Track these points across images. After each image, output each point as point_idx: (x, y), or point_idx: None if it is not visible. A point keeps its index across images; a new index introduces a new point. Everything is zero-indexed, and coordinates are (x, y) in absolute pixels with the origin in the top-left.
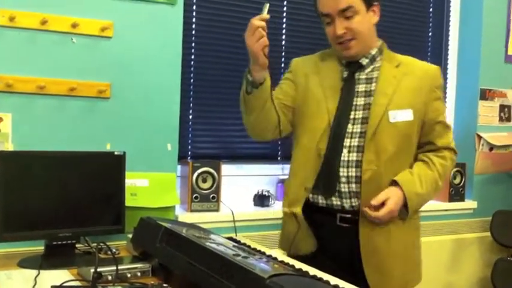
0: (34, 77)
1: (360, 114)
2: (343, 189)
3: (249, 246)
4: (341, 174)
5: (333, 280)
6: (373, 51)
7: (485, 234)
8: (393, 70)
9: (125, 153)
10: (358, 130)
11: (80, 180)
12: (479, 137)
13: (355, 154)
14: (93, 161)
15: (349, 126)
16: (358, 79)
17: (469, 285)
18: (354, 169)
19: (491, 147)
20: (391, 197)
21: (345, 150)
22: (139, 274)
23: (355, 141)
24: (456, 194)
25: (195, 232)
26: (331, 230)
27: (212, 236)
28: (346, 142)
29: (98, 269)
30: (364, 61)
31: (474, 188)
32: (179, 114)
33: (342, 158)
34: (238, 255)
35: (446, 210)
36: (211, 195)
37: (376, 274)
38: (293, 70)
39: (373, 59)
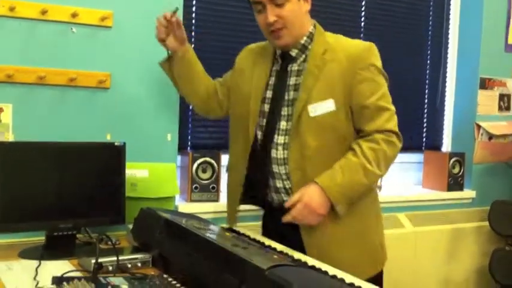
0: (34, 67)
1: (290, 110)
2: (278, 185)
3: (248, 237)
4: (275, 171)
5: (332, 270)
6: (303, 40)
7: (484, 224)
8: (318, 59)
9: (125, 143)
10: (286, 127)
11: (80, 170)
12: (479, 127)
13: (286, 152)
14: (93, 152)
15: (283, 123)
16: (291, 71)
17: (467, 274)
18: (283, 166)
19: (491, 137)
20: (304, 193)
21: (279, 148)
22: (139, 264)
23: (287, 139)
24: (455, 183)
25: (194, 223)
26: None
27: (212, 227)
28: (279, 139)
29: (99, 260)
30: (294, 52)
31: (473, 177)
32: (179, 105)
33: (274, 156)
34: (238, 245)
35: (444, 199)
36: (211, 186)
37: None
38: (237, 62)
39: (304, 49)
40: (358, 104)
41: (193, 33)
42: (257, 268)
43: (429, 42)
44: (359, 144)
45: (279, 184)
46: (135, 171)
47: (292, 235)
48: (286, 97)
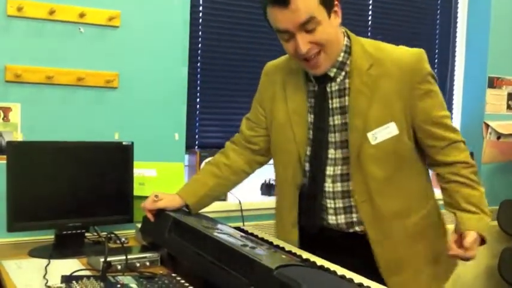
0: (42, 67)
1: (338, 136)
2: (330, 221)
3: (256, 236)
4: (328, 205)
5: (340, 270)
6: (340, 57)
7: (492, 224)
8: (364, 75)
9: (133, 143)
10: (341, 156)
11: (88, 170)
12: (487, 126)
13: (339, 184)
14: (101, 151)
15: (331, 151)
16: (331, 92)
17: (476, 274)
18: (340, 200)
19: (499, 136)
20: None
21: (328, 180)
22: (148, 264)
23: (338, 169)
24: None
25: (203, 222)
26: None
27: (220, 226)
28: (330, 170)
29: (108, 259)
30: (332, 71)
31: (481, 177)
32: (186, 104)
33: (327, 189)
34: (246, 245)
35: None
36: None
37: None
38: (261, 88)
39: (342, 65)
40: (422, 120)
41: (200, 33)
42: (265, 268)
43: (437, 41)
44: (463, 175)
45: (332, 220)
46: (143, 171)
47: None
48: (331, 122)
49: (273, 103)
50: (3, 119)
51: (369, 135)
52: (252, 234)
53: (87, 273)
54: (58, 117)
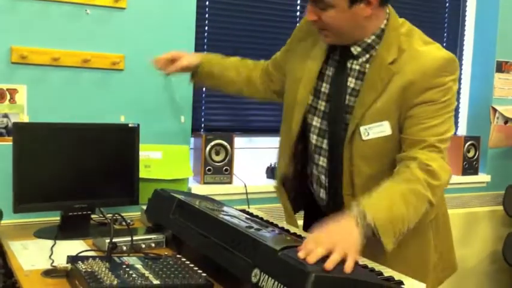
0: (48, 48)
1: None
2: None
3: (261, 219)
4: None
5: None
6: (369, 39)
7: (498, 208)
8: (384, 69)
9: (138, 125)
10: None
11: (94, 152)
12: (495, 110)
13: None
14: (107, 133)
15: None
16: (351, 69)
17: (481, 258)
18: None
19: (506, 121)
20: (324, 233)
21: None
22: (153, 245)
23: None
24: (470, 167)
25: (208, 204)
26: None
27: (225, 208)
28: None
29: (113, 240)
30: (356, 50)
31: (488, 161)
32: (192, 87)
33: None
34: (251, 227)
35: (459, 183)
36: (224, 168)
37: None
38: (293, 38)
39: (369, 48)
40: (412, 134)
41: (207, 15)
42: (270, 249)
43: (445, 25)
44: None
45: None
46: (149, 153)
47: None
48: (346, 101)
49: (295, 57)
50: (9, 100)
51: (362, 129)
52: (257, 216)
53: (93, 254)
54: (64, 99)
